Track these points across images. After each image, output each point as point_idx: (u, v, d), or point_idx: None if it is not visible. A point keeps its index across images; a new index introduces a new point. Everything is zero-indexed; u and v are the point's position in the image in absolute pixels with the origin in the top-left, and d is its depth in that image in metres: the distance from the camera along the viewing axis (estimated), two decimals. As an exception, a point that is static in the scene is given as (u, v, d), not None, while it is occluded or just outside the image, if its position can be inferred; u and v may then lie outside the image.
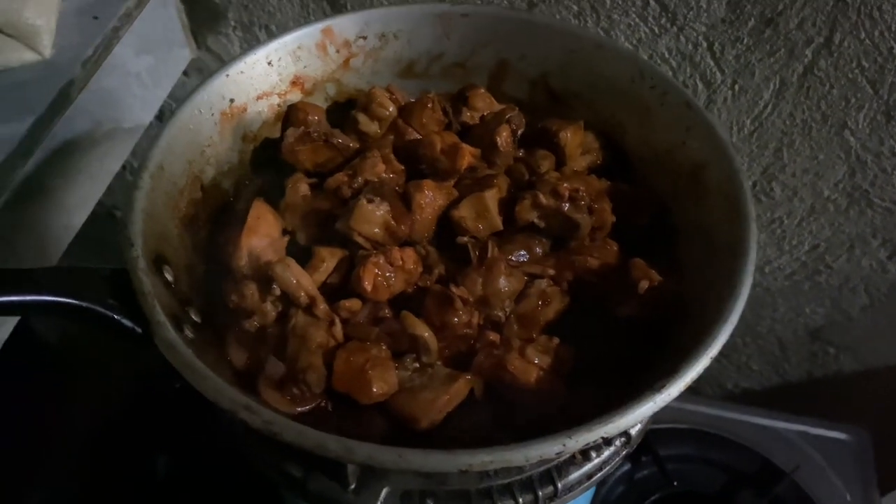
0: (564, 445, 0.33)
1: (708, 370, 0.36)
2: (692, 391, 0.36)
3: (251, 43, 0.81)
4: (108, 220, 1.12)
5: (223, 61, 0.83)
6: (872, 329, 0.94)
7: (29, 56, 0.62)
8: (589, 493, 0.65)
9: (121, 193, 1.05)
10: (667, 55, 0.71)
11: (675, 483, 0.86)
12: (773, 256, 0.89)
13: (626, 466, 0.88)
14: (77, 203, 0.66)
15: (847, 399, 1.03)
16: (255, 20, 0.78)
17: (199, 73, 0.85)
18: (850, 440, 0.92)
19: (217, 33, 0.80)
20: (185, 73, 0.84)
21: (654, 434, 0.89)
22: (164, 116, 0.91)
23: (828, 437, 0.92)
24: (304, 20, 0.77)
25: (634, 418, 0.34)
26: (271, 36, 0.80)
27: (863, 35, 0.66)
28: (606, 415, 0.34)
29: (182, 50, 0.81)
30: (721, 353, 0.37)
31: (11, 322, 0.56)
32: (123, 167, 0.75)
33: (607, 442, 0.44)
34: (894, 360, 0.97)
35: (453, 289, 0.42)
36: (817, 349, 0.99)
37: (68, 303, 0.36)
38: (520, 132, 0.50)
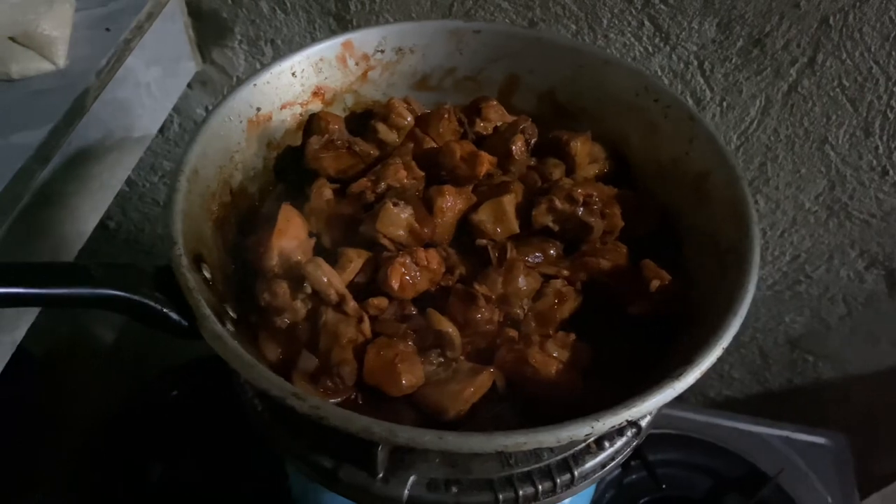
0: (592, 428, 0.35)
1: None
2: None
3: (256, 56, 0.82)
4: (99, 230, 1.12)
5: (227, 74, 0.85)
6: (850, 338, 0.96)
7: (45, 66, 0.64)
8: (589, 492, 0.67)
9: (116, 205, 1.06)
10: (659, 73, 0.74)
11: (664, 487, 0.88)
12: (756, 267, 0.92)
13: (617, 471, 0.90)
14: (89, 209, 0.67)
15: (826, 406, 1.06)
16: (262, 34, 0.80)
17: (203, 85, 0.87)
18: (830, 445, 0.94)
19: (223, 47, 0.82)
20: (189, 85, 0.85)
21: (643, 440, 0.92)
22: (164, 129, 0.92)
23: (809, 442, 0.94)
24: (310, 35, 0.79)
25: (655, 403, 0.37)
26: (276, 51, 0.82)
27: (844, 56, 0.69)
28: (630, 400, 0.36)
29: (188, 62, 0.82)
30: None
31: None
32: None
33: (620, 432, 0.46)
34: (871, 368, 1.00)
35: (476, 287, 0.45)
36: (797, 357, 1.02)
37: (121, 296, 0.37)
38: (532, 142, 0.53)
